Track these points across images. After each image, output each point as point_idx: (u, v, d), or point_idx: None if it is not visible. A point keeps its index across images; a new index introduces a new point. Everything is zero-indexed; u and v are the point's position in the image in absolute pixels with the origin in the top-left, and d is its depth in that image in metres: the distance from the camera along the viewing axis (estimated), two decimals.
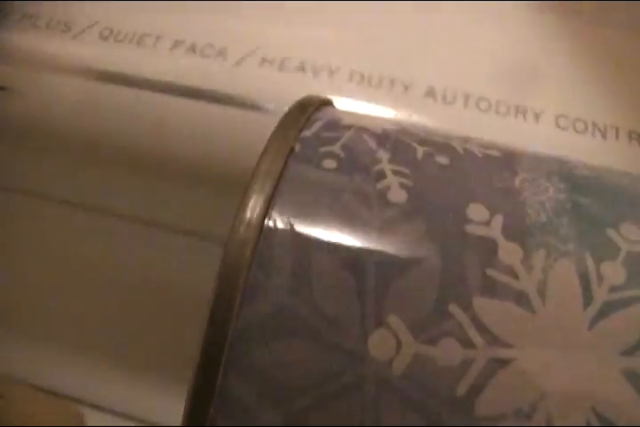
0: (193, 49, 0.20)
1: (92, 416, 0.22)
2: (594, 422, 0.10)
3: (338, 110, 0.15)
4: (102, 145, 0.21)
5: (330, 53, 0.20)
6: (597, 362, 0.10)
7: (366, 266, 0.11)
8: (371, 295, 0.11)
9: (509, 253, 0.11)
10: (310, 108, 0.14)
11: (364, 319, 0.11)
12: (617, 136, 0.19)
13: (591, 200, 0.12)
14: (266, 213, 0.11)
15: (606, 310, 0.11)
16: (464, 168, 0.13)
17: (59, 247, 0.23)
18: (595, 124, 0.19)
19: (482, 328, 0.11)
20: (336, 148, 0.13)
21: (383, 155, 0.13)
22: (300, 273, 0.11)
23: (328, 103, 0.15)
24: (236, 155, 0.19)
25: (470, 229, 0.11)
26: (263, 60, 0.20)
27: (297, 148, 0.12)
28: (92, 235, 0.23)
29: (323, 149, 0.13)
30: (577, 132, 0.19)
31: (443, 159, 0.13)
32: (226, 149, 0.20)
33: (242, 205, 0.12)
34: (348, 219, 0.11)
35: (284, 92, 0.19)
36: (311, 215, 0.12)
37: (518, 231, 0.11)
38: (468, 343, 0.10)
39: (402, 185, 0.12)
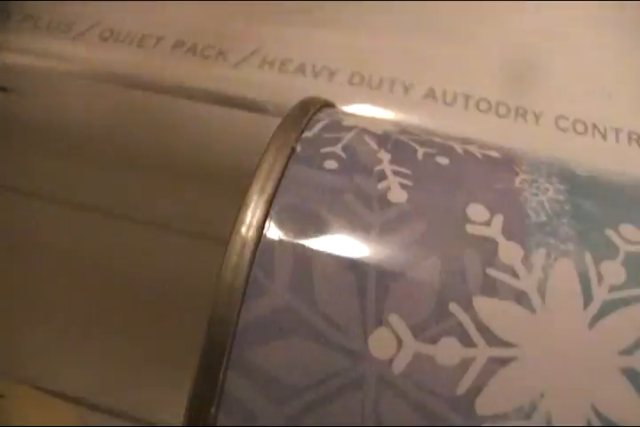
0: (193, 50, 0.21)
1: (91, 416, 0.22)
2: (594, 421, 0.10)
3: (339, 111, 0.15)
4: (102, 146, 0.21)
5: (330, 55, 0.20)
6: (597, 361, 0.10)
7: (367, 266, 0.11)
8: (371, 295, 0.11)
9: (509, 252, 0.11)
10: (311, 109, 0.14)
11: (364, 318, 0.11)
12: (617, 137, 0.19)
13: (591, 201, 0.12)
14: (267, 213, 0.11)
15: (606, 309, 0.11)
16: (464, 169, 0.13)
17: (59, 247, 0.23)
18: (595, 126, 0.19)
19: (482, 327, 0.11)
20: (337, 148, 0.13)
21: (384, 156, 0.13)
22: (301, 273, 0.11)
23: (329, 104, 0.15)
24: (236, 155, 0.19)
25: (470, 228, 0.11)
26: (263, 62, 0.20)
27: (298, 148, 0.13)
28: (92, 235, 0.23)
29: (324, 150, 0.13)
30: (577, 133, 0.19)
31: (443, 160, 0.13)
32: (226, 149, 0.20)
33: (243, 206, 0.12)
34: (348, 219, 0.12)
35: (285, 93, 0.19)
36: (312, 216, 0.12)
37: (518, 231, 0.11)
38: (468, 342, 0.11)
39: (402, 185, 0.12)
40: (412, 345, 0.11)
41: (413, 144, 0.13)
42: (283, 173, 0.12)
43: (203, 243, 0.21)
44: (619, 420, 0.10)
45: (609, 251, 0.11)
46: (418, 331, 0.11)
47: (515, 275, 0.11)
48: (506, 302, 0.11)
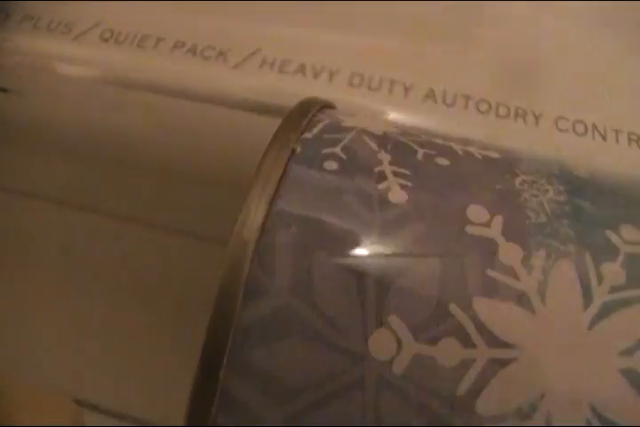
0: (194, 51, 0.21)
1: (91, 416, 0.22)
2: (594, 421, 0.10)
3: (339, 112, 0.15)
4: (102, 146, 0.21)
5: (330, 55, 0.20)
6: (597, 362, 0.10)
7: (367, 266, 0.11)
8: (371, 295, 0.11)
9: (510, 253, 0.11)
10: (311, 110, 0.14)
11: (364, 319, 0.11)
12: (617, 138, 0.19)
13: (590, 202, 0.12)
14: (267, 214, 0.11)
15: (606, 310, 0.11)
16: (464, 170, 0.13)
17: (59, 248, 0.23)
18: (595, 127, 0.19)
19: (482, 328, 0.11)
20: (337, 149, 0.13)
21: (384, 156, 0.13)
22: (302, 274, 0.11)
23: (329, 105, 0.15)
24: (236, 156, 0.19)
25: (470, 229, 0.11)
26: (263, 62, 0.20)
27: (298, 149, 0.13)
28: (92, 236, 0.23)
29: (324, 151, 0.13)
30: (577, 134, 0.19)
31: (443, 161, 0.13)
32: (227, 150, 0.20)
33: (243, 207, 0.12)
34: (348, 220, 0.12)
35: (285, 93, 0.19)
36: (312, 216, 0.12)
37: (518, 232, 0.11)
38: (468, 343, 0.11)
39: (402, 186, 0.12)
40: (412, 346, 0.11)
41: (413, 145, 0.13)
42: (283, 174, 0.12)
43: (203, 243, 0.21)
44: (618, 420, 0.10)
45: (609, 252, 0.11)
46: (418, 332, 0.11)
47: (515, 276, 0.11)
48: (506, 303, 0.11)
